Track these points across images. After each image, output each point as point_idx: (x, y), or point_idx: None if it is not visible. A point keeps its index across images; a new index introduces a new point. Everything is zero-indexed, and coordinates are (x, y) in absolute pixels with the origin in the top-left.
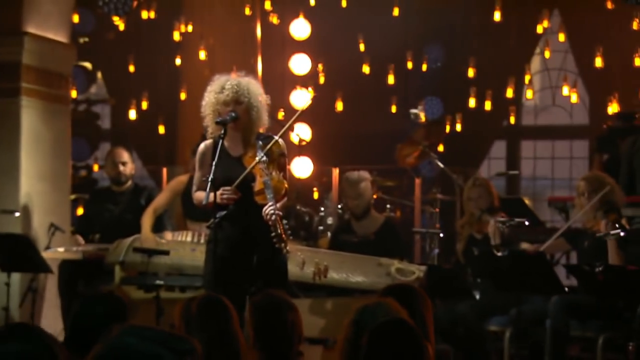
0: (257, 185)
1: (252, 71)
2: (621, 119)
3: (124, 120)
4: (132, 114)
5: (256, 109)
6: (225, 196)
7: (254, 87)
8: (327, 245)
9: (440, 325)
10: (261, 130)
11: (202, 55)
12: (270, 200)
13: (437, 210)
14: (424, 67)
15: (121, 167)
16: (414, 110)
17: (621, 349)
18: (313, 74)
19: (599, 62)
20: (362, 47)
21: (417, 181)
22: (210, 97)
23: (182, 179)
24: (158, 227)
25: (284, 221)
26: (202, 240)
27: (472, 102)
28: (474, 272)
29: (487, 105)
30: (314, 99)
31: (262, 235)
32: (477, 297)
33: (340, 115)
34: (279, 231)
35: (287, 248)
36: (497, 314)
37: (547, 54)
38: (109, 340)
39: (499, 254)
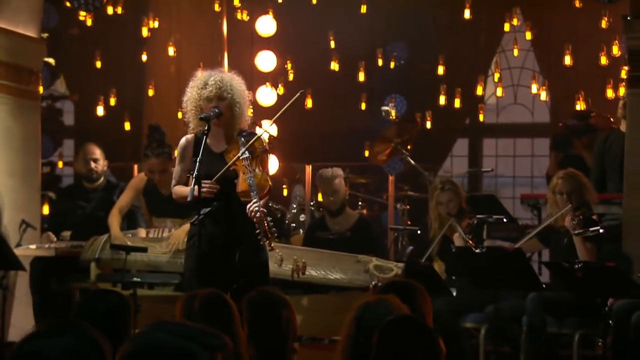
0: (241, 183)
1: (218, 68)
2: (577, 118)
3: (87, 116)
4: (100, 110)
5: (239, 105)
6: (204, 189)
7: (237, 83)
8: (301, 242)
9: None
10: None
11: (171, 51)
12: (255, 197)
13: (408, 207)
14: (392, 65)
15: (93, 164)
16: (384, 108)
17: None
18: (282, 71)
19: (568, 60)
20: (332, 44)
21: (391, 178)
22: (192, 93)
23: (143, 176)
24: (131, 224)
25: (269, 218)
26: None
27: (442, 100)
28: (450, 269)
29: (457, 103)
30: (302, 94)
31: (245, 232)
32: (454, 293)
33: (310, 112)
34: (264, 228)
35: (272, 245)
36: (473, 310)
37: (515, 52)
38: (138, 336)
39: (477, 250)
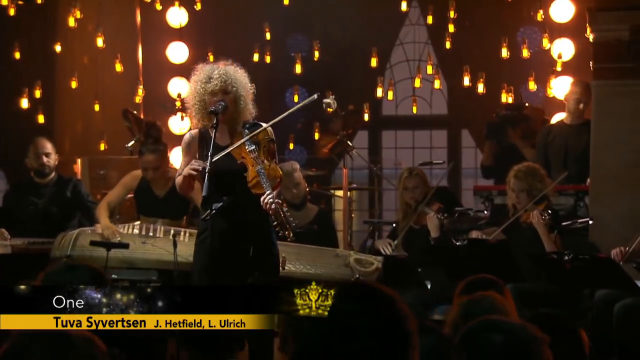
0: (251, 175)
1: (133, 59)
2: (511, 109)
3: None
4: (18, 103)
5: (243, 99)
6: (193, 166)
7: (241, 77)
8: None
9: None
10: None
11: (100, 42)
12: (267, 189)
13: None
14: (316, 57)
15: (45, 159)
16: (326, 100)
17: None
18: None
19: (504, 52)
20: (268, 35)
21: (345, 171)
22: (197, 87)
23: (137, 174)
24: (90, 220)
25: (285, 208)
26: (151, 233)
27: (379, 92)
28: (414, 261)
29: (390, 96)
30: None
31: (256, 226)
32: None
33: None
34: (281, 219)
35: (292, 235)
36: (442, 303)
37: (447, 45)
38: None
39: (458, 243)
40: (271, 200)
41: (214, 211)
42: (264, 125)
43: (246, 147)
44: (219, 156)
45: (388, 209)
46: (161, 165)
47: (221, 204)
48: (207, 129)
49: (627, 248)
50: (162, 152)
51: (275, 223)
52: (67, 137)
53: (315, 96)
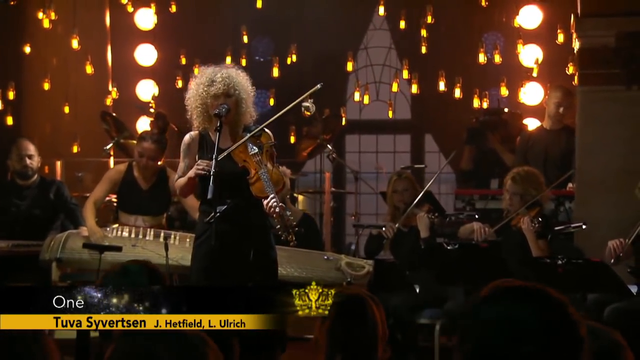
0: (253, 178)
1: (103, 61)
2: (489, 114)
3: None
4: None
5: (245, 102)
6: (200, 167)
7: (243, 80)
8: None
9: None
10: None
11: (75, 43)
12: (271, 192)
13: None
14: (290, 60)
15: (28, 160)
16: (305, 104)
17: None
18: (183, 66)
19: (481, 57)
20: (245, 39)
21: (327, 175)
22: (199, 90)
23: (121, 168)
24: (73, 222)
25: (288, 212)
26: (141, 236)
27: (357, 96)
28: (405, 264)
29: (366, 100)
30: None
31: (257, 229)
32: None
33: None
34: (285, 223)
35: (294, 239)
36: (432, 306)
37: (423, 50)
38: None
39: (449, 247)
40: (275, 204)
41: (218, 214)
42: (265, 128)
43: (249, 151)
44: (222, 156)
45: (350, 213)
46: (158, 158)
47: (225, 206)
48: (206, 131)
49: (626, 240)
50: (164, 145)
51: (278, 227)
52: (35, 139)
53: (319, 86)
